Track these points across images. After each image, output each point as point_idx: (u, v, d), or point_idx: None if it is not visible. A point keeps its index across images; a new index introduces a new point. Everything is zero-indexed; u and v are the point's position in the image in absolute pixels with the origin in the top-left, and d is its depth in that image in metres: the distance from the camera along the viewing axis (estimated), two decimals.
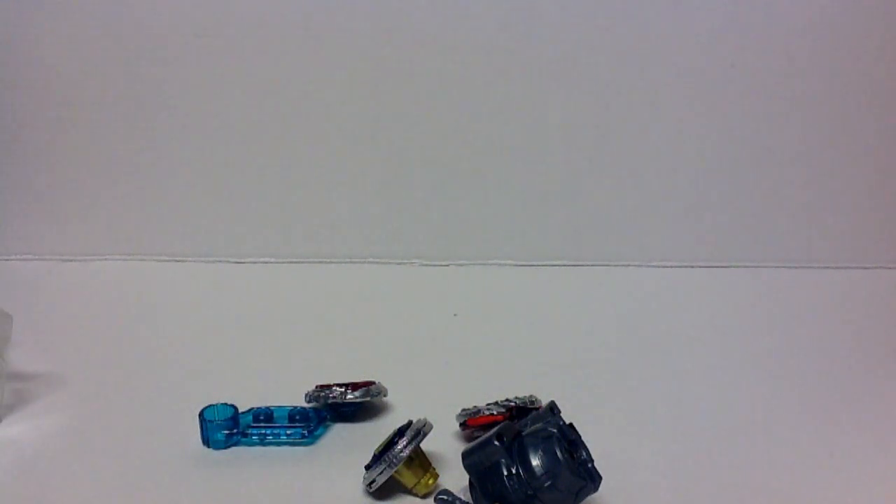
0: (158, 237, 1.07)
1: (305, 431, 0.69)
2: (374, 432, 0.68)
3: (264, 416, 0.70)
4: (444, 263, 1.06)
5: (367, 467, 0.61)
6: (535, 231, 1.06)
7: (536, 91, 1.02)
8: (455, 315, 0.98)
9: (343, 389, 0.72)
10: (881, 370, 0.85)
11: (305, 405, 0.73)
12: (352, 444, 0.69)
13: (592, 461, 0.57)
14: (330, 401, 0.72)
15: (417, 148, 1.04)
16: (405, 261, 1.07)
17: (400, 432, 0.61)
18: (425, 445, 0.62)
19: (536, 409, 0.65)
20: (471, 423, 0.69)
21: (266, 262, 1.07)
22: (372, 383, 0.74)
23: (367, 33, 1.00)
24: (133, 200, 1.06)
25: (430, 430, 0.62)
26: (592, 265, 1.06)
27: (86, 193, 1.06)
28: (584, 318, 0.97)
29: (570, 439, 0.58)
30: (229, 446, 0.68)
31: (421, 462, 0.62)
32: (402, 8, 0.99)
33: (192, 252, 1.07)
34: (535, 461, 0.56)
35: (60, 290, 1.02)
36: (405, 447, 0.59)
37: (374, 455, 0.62)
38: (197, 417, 0.68)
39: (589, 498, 0.57)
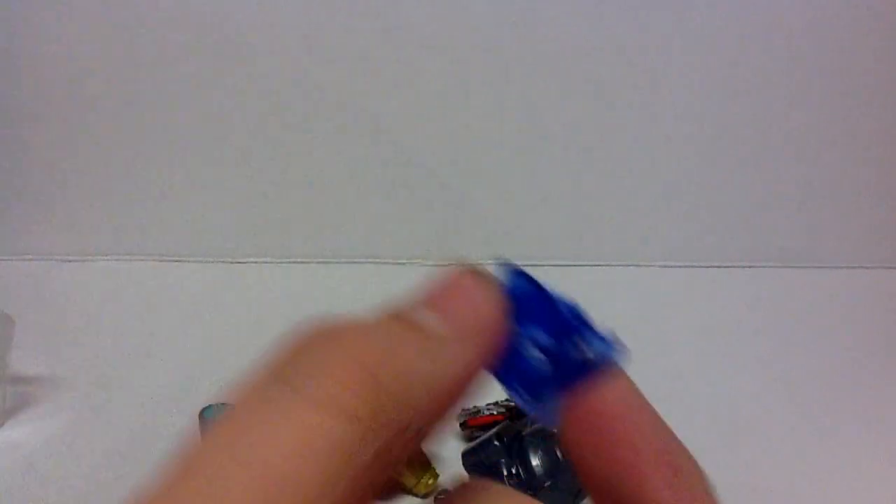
0: (158, 237, 1.07)
1: None
2: None
3: None
4: (443, 263, 1.06)
5: None
6: (535, 231, 1.06)
7: (536, 91, 1.02)
8: None
9: None
10: (881, 370, 0.85)
11: None
12: None
13: None
14: None
15: (418, 148, 1.04)
16: (405, 261, 1.07)
17: None
18: (425, 445, 0.62)
19: None
20: (471, 423, 0.69)
21: (266, 262, 1.07)
22: None
23: (367, 33, 1.00)
24: (133, 200, 1.06)
25: None
26: (592, 265, 1.06)
27: (86, 193, 1.06)
28: None
29: None
30: None
31: (421, 462, 0.62)
32: (402, 7, 0.99)
33: (191, 252, 1.07)
34: (535, 461, 0.56)
35: (60, 291, 1.02)
36: None
37: None
38: (197, 417, 0.68)
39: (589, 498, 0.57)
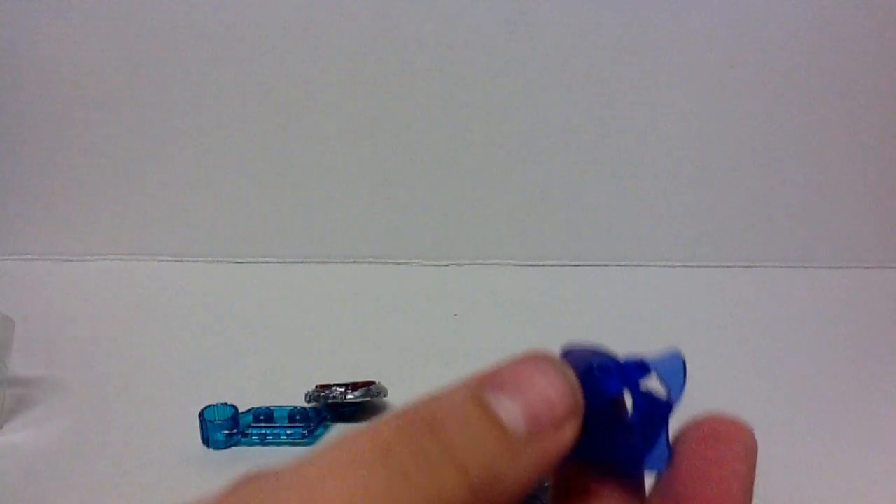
0: (158, 237, 1.07)
1: (305, 431, 0.69)
2: None
3: (264, 416, 0.70)
4: (444, 263, 1.06)
5: None
6: (535, 231, 1.06)
7: (536, 91, 1.02)
8: (455, 315, 0.98)
9: (343, 389, 0.72)
10: (881, 370, 0.85)
11: (305, 405, 0.73)
12: None
13: None
14: (330, 401, 0.72)
15: (417, 147, 1.04)
16: (405, 261, 1.07)
17: None
18: None
19: None
20: None
21: (266, 262, 1.07)
22: (372, 383, 0.74)
23: (366, 33, 1.00)
24: (133, 200, 1.06)
25: None
26: (592, 265, 1.06)
27: (86, 193, 1.06)
28: (584, 318, 0.97)
29: None
30: (229, 446, 0.68)
31: None
32: (401, 7, 0.99)
33: (192, 252, 1.07)
34: None
35: (60, 291, 1.02)
36: None
37: None
38: (197, 417, 0.68)
39: None
